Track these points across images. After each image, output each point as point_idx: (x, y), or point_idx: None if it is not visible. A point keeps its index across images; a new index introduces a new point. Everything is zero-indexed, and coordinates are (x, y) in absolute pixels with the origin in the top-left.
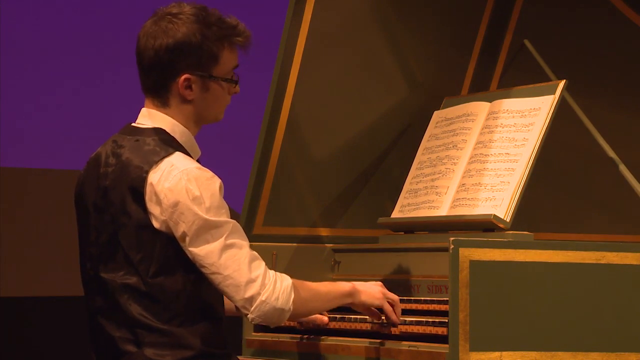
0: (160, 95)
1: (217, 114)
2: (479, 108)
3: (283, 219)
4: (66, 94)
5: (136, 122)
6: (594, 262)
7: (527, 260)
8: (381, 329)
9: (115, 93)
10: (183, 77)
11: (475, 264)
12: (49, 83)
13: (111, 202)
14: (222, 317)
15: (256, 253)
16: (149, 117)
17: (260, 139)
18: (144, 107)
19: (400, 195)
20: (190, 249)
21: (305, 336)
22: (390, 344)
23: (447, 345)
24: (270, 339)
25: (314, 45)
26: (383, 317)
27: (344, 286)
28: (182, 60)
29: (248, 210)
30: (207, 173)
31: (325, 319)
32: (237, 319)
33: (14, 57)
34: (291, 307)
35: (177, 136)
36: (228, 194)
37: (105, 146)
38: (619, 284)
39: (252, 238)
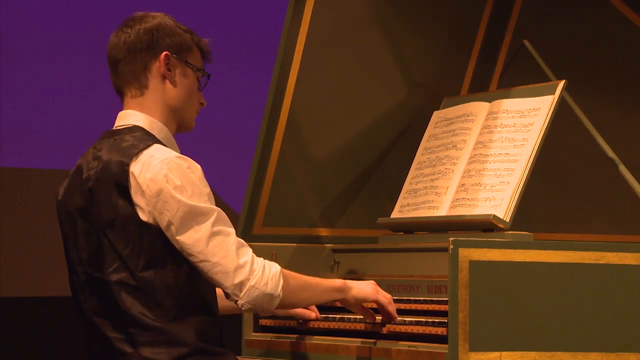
0: (138, 79)
1: (190, 115)
2: (479, 108)
3: (283, 219)
4: (66, 94)
5: (114, 126)
6: (594, 262)
7: (526, 260)
8: (380, 329)
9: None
10: (164, 54)
11: (474, 264)
12: (49, 83)
13: (97, 202)
14: (215, 312)
15: (243, 240)
16: (126, 118)
17: (260, 139)
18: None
19: (400, 196)
20: (178, 237)
21: (305, 336)
22: (389, 344)
23: (446, 346)
24: (269, 339)
25: (314, 45)
26: (379, 317)
27: (335, 281)
28: (162, 39)
29: (248, 210)
30: (187, 161)
31: (313, 314)
32: (237, 319)
33: (14, 56)
34: (280, 294)
35: (155, 132)
36: (228, 194)
37: (85, 156)
38: (619, 284)
39: (252, 238)
